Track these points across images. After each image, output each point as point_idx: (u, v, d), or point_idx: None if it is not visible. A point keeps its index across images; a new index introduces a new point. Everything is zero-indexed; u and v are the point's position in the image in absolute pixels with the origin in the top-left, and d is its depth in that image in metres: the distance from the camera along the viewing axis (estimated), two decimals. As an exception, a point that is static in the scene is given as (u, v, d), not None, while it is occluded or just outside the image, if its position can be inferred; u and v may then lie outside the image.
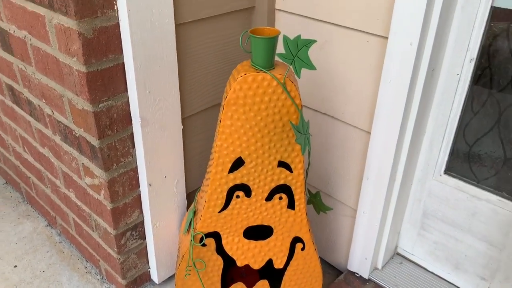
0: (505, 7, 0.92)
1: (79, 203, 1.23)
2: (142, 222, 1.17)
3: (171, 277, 1.30)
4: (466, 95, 1.03)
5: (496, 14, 0.94)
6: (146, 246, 1.22)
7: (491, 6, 0.93)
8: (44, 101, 1.13)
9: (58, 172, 1.25)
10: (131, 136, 1.04)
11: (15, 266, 1.35)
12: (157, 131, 1.05)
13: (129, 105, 1.01)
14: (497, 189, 1.06)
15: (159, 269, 1.24)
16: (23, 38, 1.07)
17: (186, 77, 1.08)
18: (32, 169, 1.42)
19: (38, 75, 1.09)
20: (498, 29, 0.95)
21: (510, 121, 0.99)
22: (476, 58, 0.98)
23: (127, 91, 0.99)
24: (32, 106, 1.21)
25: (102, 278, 1.32)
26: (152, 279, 1.28)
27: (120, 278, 1.21)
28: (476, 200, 1.09)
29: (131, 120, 1.02)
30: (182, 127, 1.11)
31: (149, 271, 1.27)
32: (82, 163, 1.10)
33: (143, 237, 1.20)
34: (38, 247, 1.43)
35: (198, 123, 1.18)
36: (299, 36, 0.85)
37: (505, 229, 1.06)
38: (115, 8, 0.90)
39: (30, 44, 1.05)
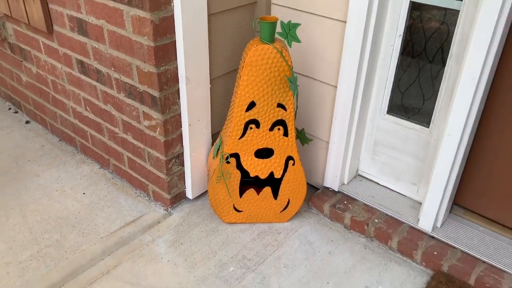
0: (418, 2, 1.46)
1: (135, 142, 1.73)
2: (182, 153, 1.69)
3: (200, 195, 1.82)
4: (398, 59, 1.57)
5: (414, 5, 1.48)
6: (184, 171, 1.74)
7: (410, 1, 1.47)
8: (113, 69, 1.62)
9: (118, 121, 1.75)
10: (178, 91, 1.55)
11: (84, 193, 1.85)
12: (194, 87, 1.56)
13: (177, 69, 1.51)
14: (419, 121, 1.61)
15: (192, 188, 1.77)
16: (100, 25, 1.56)
17: (213, 49, 1.59)
18: (91, 124, 1.92)
19: (111, 50, 1.58)
20: (415, 15, 1.49)
21: (424, 76, 1.54)
22: (403, 34, 1.52)
23: (176, 59, 1.49)
24: (100, 74, 1.70)
25: (149, 199, 1.83)
26: (187, 196, 1.81)
27: (166, 194, 1.73)
28: (407, 130, 1.64)
29: (178, 79, 1.53)
30: (210, 86, 1.63)
31: (185, 190, 1.79)
32: (142, 111, 1.60)
33: (182, 164, 1.71)
34: (97, 181, 1.93)
35: (219, 83, 1.69)
36: (290, 21, 1.38)
37: (425, 147, 1.61)
38: (172, 4, 1.40)
39: (107, 29, 1.54)
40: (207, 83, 1.61)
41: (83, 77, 1.80)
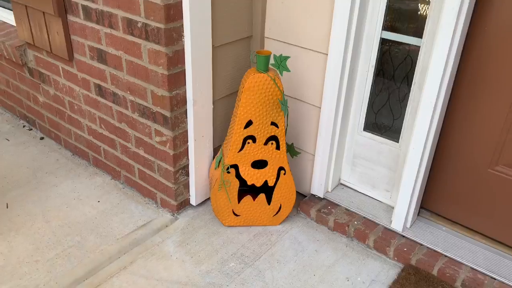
0: (387, 38, 1.76)
1: (146, 155, 1.98)
2: (188, 165, 1.95)
3: (202, 202, 2.07)
4: (371, 85, 1.86)
5: (383, 41, 1.78)
6: (188, 181, 1.99)
7: (380, 38, 1.77)
8: (128, 92, 1.88)
9: (131, 137, 2.00)
10: (186, 111, 1.82)
11: (98, 201, 2.09)
12: (199, 108, 1.83)
13: (186, 92, 1.78)
14: (390, 137, 1.89)
15: (196, 196, 2.02)
16: (119, 55, 1.83)
17: (215, 76, 1.86)
18: (105, 140, 2.16)
19: (127, 76, 1.84)
20: (385, 49, 1.79)
21: (393, 99, 1.83)
22: (375, 64, 1.82)
23: (185, 84, 1.76)
24: (116, 96, 1.96)
25: (157, 205, 2.08)
26: (191, 203, 2.05)
27: (173, 201, 1.98)
28: (380, 144, 1.92)
29: (186, 101, 1.80)
30: (213, 106, 1.89)
31: (189, 197, 2.04)
32: (154, 128, 1.86)
33: (187, 174, 1.97)
34: (109, 191, 2.16)
35: (220, 104, 1.96)
36: (281, 54, 1.66)
37: (396, 159, 1.90)
38: (183, 39, 1.67)
39: (125, 59, 1.81)
40: (210, 104, 1.87)
41: (99, 98, 2.06)
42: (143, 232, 1.91)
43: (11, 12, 2.52)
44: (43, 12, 2.03)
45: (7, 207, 2.02)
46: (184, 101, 1.79)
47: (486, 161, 1.71)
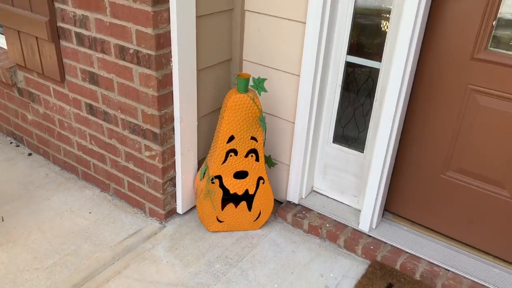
0: (352, 62, 2.00)
1: (136, 169, 2.15)
2: (175, 176, 2.12)
3: (188, 211, 2.25)
4: (339, 102, 2.10)
5: (348, 64, 2.02)
6: (175, 191, 2.17)
7: (345, 61, 2.01)
8: (119, 111, 2.05)
9: (121, 152, 2.16)
10: (173, 128, 2.00)
11: (90, 213, 2.23)
12: (185, 125, 2.02)
13: (173, 111, 1.97)
14: (356, 148, 2.13)
15: (182, 205, 2.19)
16: (110, 78, 2.00)
17: (199, 96, 2.06)
18: (95, 155, 2.31)
19: (119, 97, 2.01)
20: (350, 71, 2.03)
21: (358, 114, 2.08)
22: (342, 84, 2.06)
23: (173, 104, 1.95)
24: (107, 115, 2.12)
25: (146, 215, 2.24)
26: (177, 212, 2.23)
27: (162, 210, 2.15)
28: (348, 155, 2.16)
29: (174, 119, 1.98)
30: (197, 123, 2.09)
31: (176, 206, 2.21)
32: (144, 144, 2.03)
33: (174, 185, 2.14)
34: (99, 202, 2.31)
35: (204, 121, 2.15)
36: (259, 77, 1.88)
37: (361, 168, 2.13)
38: (171, 64, 1.86)
39: (116, 81, 1.98)
40: (195, 121, 2.06)
41: (90, 117, 2.21)
42: (134, 240, 2.07)
43: (2, 35, 2.65)
44: (36, 37, 2.17)
45: (2, 220, 2.13)
46: (171, 119, 1.98)
47: (439, 167, 1.97)
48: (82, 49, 2.04)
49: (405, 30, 1.70)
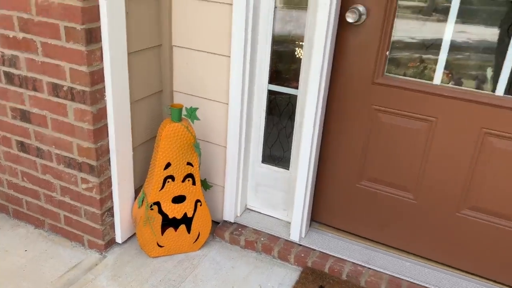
0: (273, 90, 2.24)
1: (72, 202, 2.17)
2: (113, 206, 2.18)
3: (127, 239, 2.30)
4: (264, 125, 2.32)
5: (270, 92, 2.25)
6: (114, 221, 2.22)
7: (267, 89, 2.24)
8: (54, 147, 2.09)
9: (56, 187, 2.18)
10: (109, 159, 2.08)
11: (26, 250, 2.20)
12: (121, 156, 2.10)
13: (109, 143, 2.05)
14: (283, 166, 2.35)
15: (121, 234, 2.25)
16: (43, 114, 2.04)
17: (133, 126, 2.16)
18: (28, 192, 2.30)
19: (52, 133, 2.05)
20: (272, 98, 2.26)
21: (282, 136, 2.30)
22: (266, 109, 2.28)
23: (108, 136, 2.03)
24: (40, 151, 2.14)
25: (85, 247, 2.26)
26: (117, 241, 2.28)
27: (101, 241, 2.19)
28: (276, 173, 2.37)
29: (109, 151, 2.06)
30: (132, 153, 2.18)
31: (115, 236, 2.26)
32: (81, 177, 2.08)
33: (113, 215, 2.20)
34: (35, 240, 2.29)
35: (139, 150, 2.25)
36: (191, 107, 2.04)
37: (288, 184, 2.35)
38: (105, 98, 1.96)
39: (50, 118, 2.03)
40: (130, 151, 2.16)
41: (22, 154, 2.21)
42: (75, 273, 2.09)
43: None
44: (-40, 77, 2.15)
45: None
46: (107, 151, 2.06)
47: (354, 178, 2.24)
48: (12, 88, 2.06)
49: (316, 58, 1.96)
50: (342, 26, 1.99)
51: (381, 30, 1.94)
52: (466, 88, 1.90)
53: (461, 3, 1.80)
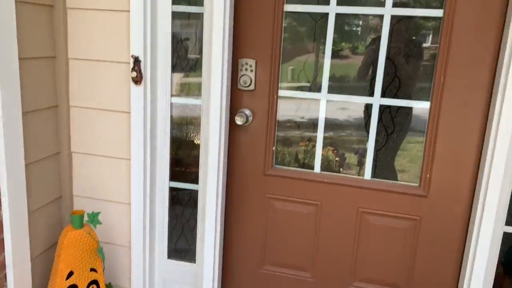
0: (174, 186, 2.37)
1: (-40, 328, 1.98)
2: (9, 326, 2.03)
3: None
4: (168, 221, 2.40)
5: (172, 189, 2.37)
6: None
7: (169, 186, 2.36)
8: None
9: None
10: (5, 275, 1.98)
11: None
12: (18, 270, 2.02)
13: (5, 258, 1.96)
14: (189, 259, 2.42)
15: None
16: None
17: (32, 238, 2.10)
18: None
19: None
20: (174, 193, 2.38)
21: (187, 230, 2.40)
22: (168, 206, 2.38)
23: (4, 251, 1.95)
24: None
25: None
26: None
27: None
28: (183, 267, 2.42)
29: (5, 266, 1.97)
30: (31, 264, 2.10)
31: None
32: (-29, 298, 1.93)
33: (9, 336, 2.04)
34: None
35: (38, 261, 2.17)
36: (93, 212, 2.07)
37: (195, 276, 2.41)
38: (1, 212, 1.91)
39: None
40: (29, 263, 2.07)
41: None
42: None
43: None
44: None
45: None
46: (3, 266, 1.97)
47: (257, 264, 2.39)
48: None
49: (213, 157, 2.15)
50: (233, 127, 2.25)
51: (266, 129, 2.23)
52: (342, 175, 2.23)
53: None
